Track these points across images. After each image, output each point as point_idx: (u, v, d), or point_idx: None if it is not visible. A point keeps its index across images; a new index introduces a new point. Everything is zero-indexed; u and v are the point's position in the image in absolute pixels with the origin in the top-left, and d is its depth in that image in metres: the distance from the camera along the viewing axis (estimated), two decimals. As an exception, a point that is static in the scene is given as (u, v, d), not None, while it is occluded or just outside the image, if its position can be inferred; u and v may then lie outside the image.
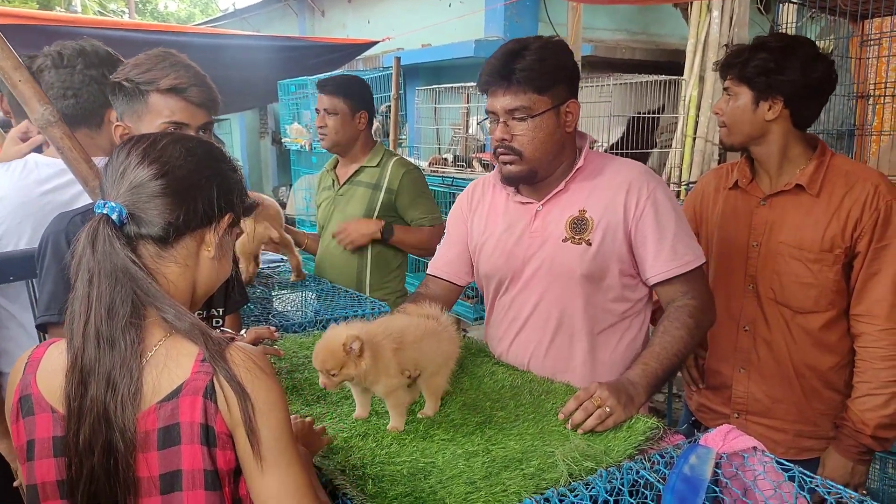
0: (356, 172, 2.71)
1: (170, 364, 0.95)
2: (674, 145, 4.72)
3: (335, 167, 2.83)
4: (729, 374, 1.86)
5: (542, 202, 1.69)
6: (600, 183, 1.65)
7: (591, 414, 1.30)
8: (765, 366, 1.80)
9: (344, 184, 2.74)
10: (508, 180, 1.69)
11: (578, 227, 1.63)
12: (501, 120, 1.59)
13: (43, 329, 1.36)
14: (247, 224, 2.29)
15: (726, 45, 1.80)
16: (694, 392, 2.00)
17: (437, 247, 1.99)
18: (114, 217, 0.97)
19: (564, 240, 1.64)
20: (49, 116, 1.51)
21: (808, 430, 1.79)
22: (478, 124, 4.82)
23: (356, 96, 2.66)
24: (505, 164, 1.64)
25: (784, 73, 1.68)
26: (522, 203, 1.73)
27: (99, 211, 0.97)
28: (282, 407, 0.96)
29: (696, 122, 5.30)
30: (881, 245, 1.66)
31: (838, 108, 3.17)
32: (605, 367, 1.67)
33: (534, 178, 1.65)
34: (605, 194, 1.64)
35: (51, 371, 0.98)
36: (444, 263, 1.89)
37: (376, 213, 2.64)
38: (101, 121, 1.76)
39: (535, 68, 1.54)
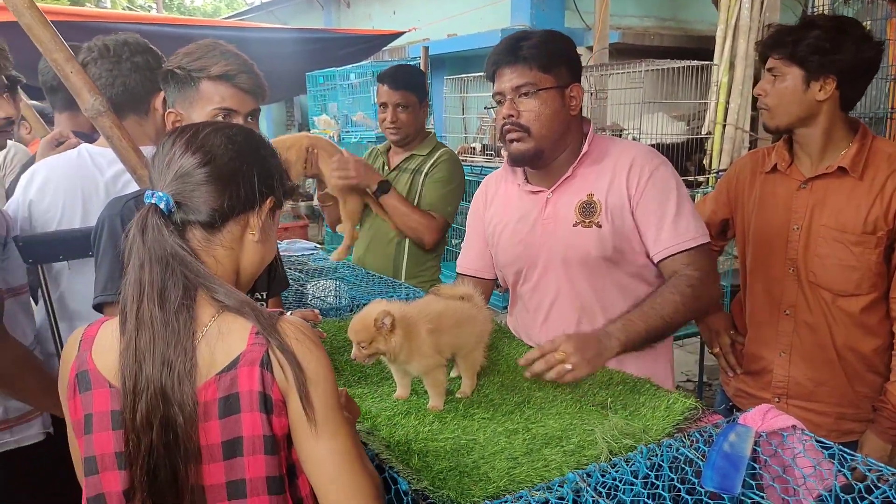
0: (406, 160, 2.74)
1: (224, 338, 0.99)
2: (704, 132, 4.67)
3: (388, 150, 2.84)
4: (770, 358, 1.85)
5: (551, 189, 1.72)
6: (606, 165, 1.68)
7: (552, 367, 1.33)
8: (806, 349, 1.79)
9: (392, 170, 2.77)
10: (515, 160, 1.72)
11: (587, 210, 1.67)
12: (509, 98, 1.64)
13: (99, 309, 1.42)
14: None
15: (768, 26, 1.77)
16: (731, 378, 2.00)
17: (463, 247, 2.00)
18: (162, 206, 1.01)
19: (575, 224, 1.68)
20: (99, 106, 1.56)
21: (849, 412, 1.79)
22: (485, 109, 4.84)
23: (421, 87, 2.70)
24: (512, 141, 1.67)
25: (839, 51, 1.66)
26: (533, 192, 1.76)
27: (148, 201, 1.02)
28: (330, 377, 1.01)
29: (727, 109, 5.24)
30: None
31: (873, 92, 3.12)
32: (626, 355, 1.61)
33: (540, 156, 1.67)
34: (609, 176, 1.67)
35: (106, 348, 1.03)
36: (468, 261, 1.95)
37: (415, 201, 2.65)
38: (147, 108, 1.83)
39: (540, 47, 1.62)
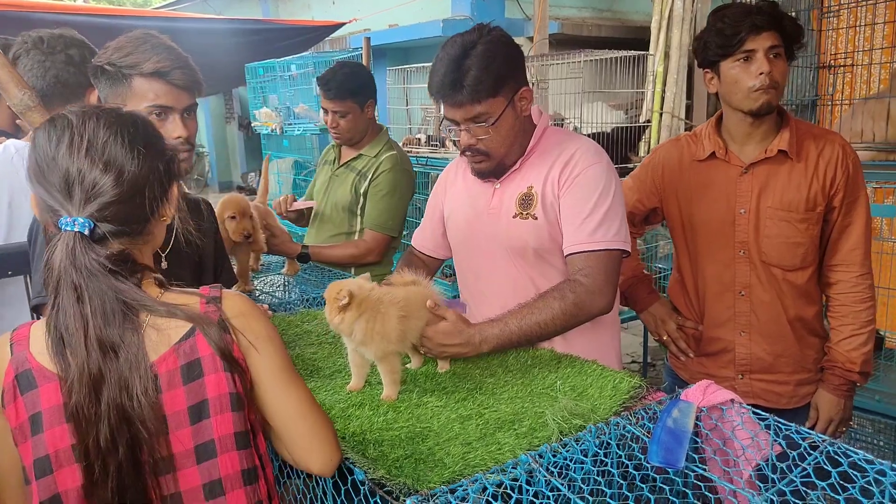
0: (355, 158, 2.72)
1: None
2: (641, 120, 4.81)
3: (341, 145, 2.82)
4: (730, 338, 1.92)
5: (500, 180, 1.76)
6: (548, 159, 1.71)
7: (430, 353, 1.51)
8: (763, 325, 1.88)
9: (341, 166, 2.75)
10: (481, 175, 1.76)
11: (525, 202, 1.70)
12: (462, 128, 1.64)
13: (38, 310, 1.37)
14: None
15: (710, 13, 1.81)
16: (685, 362, 2.04)
17: (420, 224, 2.03)
18: (85, 232, 0.98)
19: (514, 216, 1.71)
20: (28, 101, 1.51)
21: (805, 377, 1.91)
22: (439, 126, 4.85)
23: (362, 90, 2.63)
24: (475, 163, 1.72)
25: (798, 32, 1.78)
26: (484, 182, 1.79)
27: (70, 229, 0.97)
28: (278, 336, 1.11)
29: (663, 98, 5.40)
30: (852, 199, 1.81)
31: (799, 80, 3.26)
32: (574, 338, 1.67)
33: (503, 168, 1.73)
34: (548, 169, 1.70)
35: (44, 346, 1.00)
36: (423, 238, 2.01)
37: (360, 203, 2.66)
38: (81, 102, 1.76)
39: (483, 78, 1.55)
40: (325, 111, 2.67)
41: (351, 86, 2.61)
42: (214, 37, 6.17)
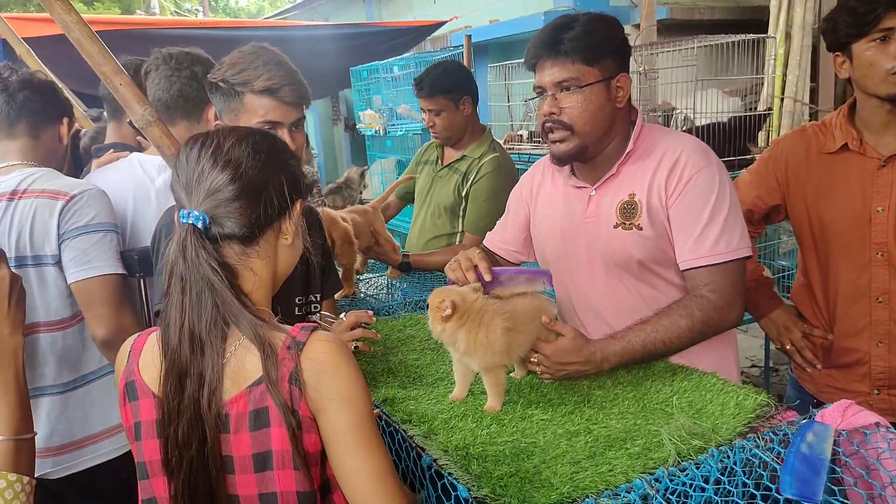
0: (458, 160, 2.70)
1: (256, 351, 1.00)
2: (761, 107, 4.49)
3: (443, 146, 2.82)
4: (865, 349, 1.74)
5: (595, 187, 1.64)
6: (651, 163, 1.58)
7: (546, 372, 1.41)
8: None
9: (444, 167, 2.75)
10: (559, 160, 1.63)
11: (628, 211, 1.58)
12: (550, 93, 1.55)
13: (158, 315, 1.44)
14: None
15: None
16: (811, 374, 1.86)
17: (499, 223, 1.95)
18: (199, 225, 1.01)
19: (616, 226, 1.59)
20: (148, 116, 1.58)
21: None
22: (524, 101, 4.73)
23: (454, 86, 2.62)
24: (554, 141, 1.58)
25: None
26: (577, 188, 1.69)
27: (184, 221, 1.01)
28: (362, 393, 1.01)
29: (784, 82, 5.02)
30: None
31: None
32: (690, 352, 1.55)
33: (584, 154, 1.59)
34: (651, 174, 1.56)
35: (151, 360, 1.05)
36: (498, 240, 1.91)
37: (462, 205, 2.64)
38: (200, 117, 1.87)
39: (583, 38, 1.50)
40: (424, 111, 2.69)
41: (443, 83, 2.61)
42: (321, 43, 6.37)
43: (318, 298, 1.71)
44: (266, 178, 1.05)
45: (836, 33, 1.65)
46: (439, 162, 2.79)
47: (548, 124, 1.57)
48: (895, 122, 1.65)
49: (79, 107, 3.28)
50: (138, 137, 2.15)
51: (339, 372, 1.00)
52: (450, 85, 2.62)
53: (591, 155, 1.61)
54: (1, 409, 1.08)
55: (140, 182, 1.84)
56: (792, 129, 1.94)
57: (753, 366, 4.45)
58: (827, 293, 1.80)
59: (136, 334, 1.12)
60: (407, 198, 3.04)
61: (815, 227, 1.79)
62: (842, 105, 1.79)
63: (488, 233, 1.97)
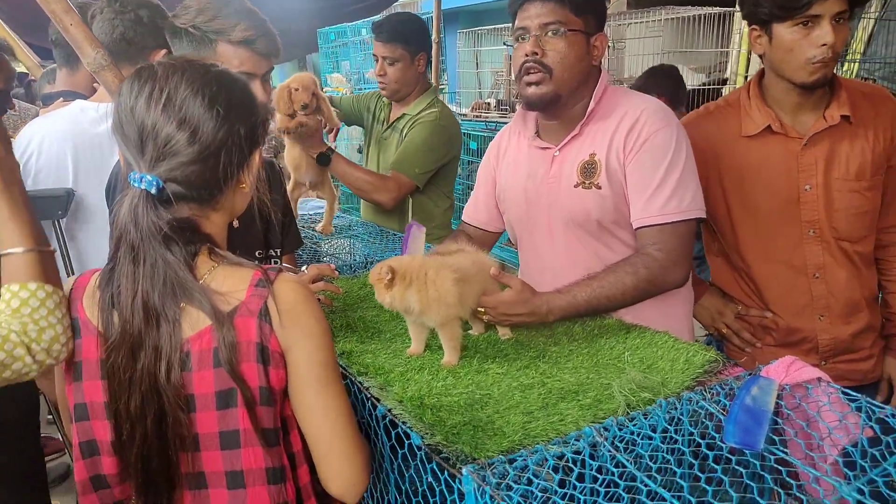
0: (399, 118, 2.65)
1: (221, 288, 0.99)
2: (728, 84, 4.53)
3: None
4: (810, 326, 1.75)
5: (558, 147, 1.66)
6: (612, 123, 1.60)
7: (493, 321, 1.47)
8: (842, 305, 1.73)
9: (388, 127, 2.71)
10: (531, 104, 1.63)
11: (588, 171, 1.60)
12: (534, 34, 1.56)
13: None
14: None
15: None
16: (751, 353, 1.84)
17: (471, 195, 1.95)
18: (153, 191, 0.96)
19: (576, 185, 1.61)
20: (101, 60, 1.53)
21: (882, 344, 1.79)
22: (504, 44, 4.71)
23: (415, 39, 2.55)
24: (531, 84, 1.59)
25: None
26: (541, 148, 1.70)
27: (137, 185, 0.96)
28: (326, 334, 1.02)
29: (749, 59, 5.07)
30: None
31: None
32: (644, 308, 1.58)
33: (557, 102, 1.60)
34: (611, 134, 1.58)
35: (95, 298, 1.03)
36: (474, 211, 1.92)
37: None
38: (146, 62, 1.79)
39: None
40: (376, 59, 2.60)
41: (404, 31, 2.54)
42: (288, 2, 6.21)
43: (279, 253, 1.70)
44: (226, 136, 1.00)
45: (758, 8, 1.60)
46: (385, 122, 2.73)
47: (527, 65, 1.58)
48: (807, 103, 1.66)
49: (28, 55, 3.15)
50: (95, 84, 2.08)
51: (307, 311, 1.01)
52: (410, 34, 2.55)
53: (560, 107, 1.62)
54: (18, 224, 1.04)
55: (82, 129, 1.79)
56: (695, 112, 1.89)
57: (709, 333, 4.55)
58: (761, 275, 1.79)
59: (77, 275, 1.10)
60: (349, 120, 2.99)
61: (735, 213, 1.77)
62: (746, 82, 1.76)
63: (465, 208, 1.96)
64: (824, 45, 1.52)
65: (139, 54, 1.79)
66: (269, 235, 1.68)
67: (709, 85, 3.69)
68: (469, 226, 1.93)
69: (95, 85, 2.08)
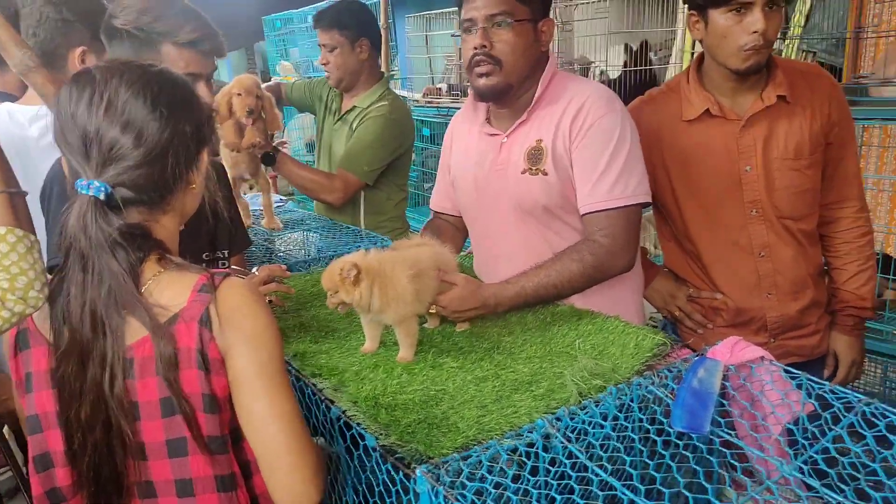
0: (349, 111, 2.61)
1: (164, 293, 0.98)
2: (672, 61, 4.59)
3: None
4: (759, 305, 1.78)
5: (506, 134, 1.66)
6: (558, 109, 1.60)
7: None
8: (788, 282, 1.77)
9: (339, 119, 2.67)
10: (482, 95, 1.64)
11: (535, 157, 1.61)
12: (481, 26, 1.55)
13: (51, 272, 1.37)
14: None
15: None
16: (704, 335, 1.85)
17: (435, 184, 1.95)
18: (101, 197, 0.95)
19: (523, 171, 1.62)
20: (28, 61, 1.47)
21: (825, 323, 1.84)
22: (451, 36, 4.68)
23: (352, 24, 2.51)
24: (481, 75, 1.59)
25: None
26: (490, 135, 1.70)
27: (84, 192, 0.95)
28: (274, 338, 1.00)
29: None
30: (846, 132, 1.73)
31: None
32: (593, 294, 1.60)
33: (508, 91, 1.60)
34: (557, 120, 1.59)
35: (44, 309, 1.01)
36: (439, 199, 1.92)
37: None
38: (64, 64, 1.70)
39: None
40: (321, 48, 2.57)
41: (341, 18, 2.51)
42: (231, -11, 6.06)
43: (227, 255, 1.66)
44: (171, 136, 0.99)
45: None
46: (337, 113, 2.69)
47: (477, 57, 1.57)
48: (743, 86, 1.69)
49: None
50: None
51: (250, 314, 0.98)
52: (348, 21, 2.51)
53: (512, 95, 1.62)
54: None
55: (9, 133, 1.71)
56: (639, 98, 1.91)
57: (658, 317, 4.63)
58: (708, 257, 1.81)
59: None
60: (301, 107, 2.97)
61: (680, 197, 1.79)
62: (685, 68, 1.79)
63: (431, 197, 1.96)
64: (755, 31, 1.54)
65: (54, 57, 1.68)
66: (216, 237, 1.64)
67: (658, 64, 3.73)
68: (439, 214, 1.93)
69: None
